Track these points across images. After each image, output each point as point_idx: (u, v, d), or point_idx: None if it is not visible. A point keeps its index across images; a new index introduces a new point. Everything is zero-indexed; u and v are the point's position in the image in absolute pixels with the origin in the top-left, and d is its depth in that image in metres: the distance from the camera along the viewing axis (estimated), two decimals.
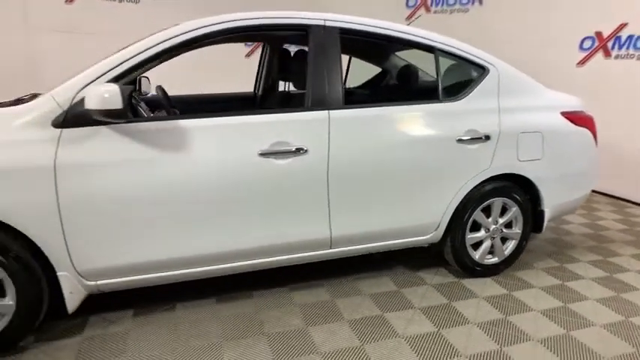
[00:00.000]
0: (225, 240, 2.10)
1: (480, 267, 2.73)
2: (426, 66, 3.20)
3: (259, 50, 6.32)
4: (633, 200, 4.54)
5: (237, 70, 5.79)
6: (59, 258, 1.88)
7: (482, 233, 2.70)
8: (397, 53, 3.47)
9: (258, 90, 3.56)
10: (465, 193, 2.53)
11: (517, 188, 2.67)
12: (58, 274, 1.89)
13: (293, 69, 2.51)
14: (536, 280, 2.77)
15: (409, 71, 3.03)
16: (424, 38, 2.47)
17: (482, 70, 2.62)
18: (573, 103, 2.88)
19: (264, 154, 2.07)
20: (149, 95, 3.22)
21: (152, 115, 2.29)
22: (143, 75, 2.70)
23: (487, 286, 2.67)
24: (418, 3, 6.13)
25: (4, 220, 1.75)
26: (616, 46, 4.53)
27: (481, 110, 2.54)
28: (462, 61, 2.59)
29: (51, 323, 2.16)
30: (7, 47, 4.97)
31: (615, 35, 4.51)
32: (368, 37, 2.39)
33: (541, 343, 2.13)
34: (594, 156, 2.90)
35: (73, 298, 1.95)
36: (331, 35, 2.26)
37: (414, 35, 2.45)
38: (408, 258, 3.01)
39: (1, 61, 4.95)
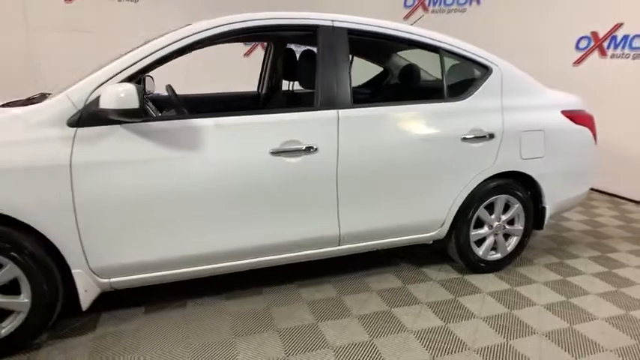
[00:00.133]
0: (237, 237, 2.14)
1: (483, 263, 2.78)
2: (425, 65, 3.26)
3: (258, 50, 6.39)
4: (629, 197, 4.62)
5: (236, 69, 5.82)
6: (74, 256, 1.90)
7: (485, 230, 2.75)
8: (399, 53, 3.52)
9: (261, 89, 3.59)
10: (470, 190, 2.58)
11: (519, 186, 2.73)
12: (73, 271, 1.91)
13: (301, 69, 2.54)
14: (538, 276, 2.82)
15: (414, 71, 3.07)
16: (430, 38, 2.51)
17: (486, 70, 2.66)
18: (574, 102, 2.94)
19: (275, 153, 2.10)
20: (153, 94, 3.24)
21: (159, 114, 2.31)
22: (147, 74, 2.73)
23: (490, 282, 2.72)
24: (416, 3, 6.18)
25: (20, 218, 1.76)
26: (612, 46, 4.61)
27: (485, 109, 2.58)
28: (466, 60, 2.64)
29: (63, 321, 2.17)
30: (6, 46, 4.95)
31: (611, 35, 4.59)
32: (375, 38, 2.43)
33: (546, 336, 2.19)
34: (594, 154, 2.97)
35: (87, 296, 1.97)
36: (340, 35, 2.29)
37: (419, 35, 2.49)
38: (412, 255, 3.06)
39: (1, 61, 4.93)
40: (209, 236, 2.09)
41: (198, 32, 2.04)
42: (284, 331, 2.16)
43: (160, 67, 2.08)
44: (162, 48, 1.98)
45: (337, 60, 2.28)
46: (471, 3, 5.78)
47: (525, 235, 2.85)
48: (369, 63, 3.60)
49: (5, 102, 2.22)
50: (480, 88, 2.61)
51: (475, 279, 2.75)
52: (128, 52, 2.00)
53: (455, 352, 2.05)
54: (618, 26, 4.52)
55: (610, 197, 4.69)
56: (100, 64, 2.11)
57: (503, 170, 2.63)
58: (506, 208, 2.78)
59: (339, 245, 2.41)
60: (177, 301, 2.40)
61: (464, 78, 2.71)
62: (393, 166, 2.36)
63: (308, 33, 2.31)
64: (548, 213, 2.85)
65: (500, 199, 2.72)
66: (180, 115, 2.04)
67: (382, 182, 2.36)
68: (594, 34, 4.72)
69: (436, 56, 2.61)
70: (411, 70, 3.09)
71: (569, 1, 4.87)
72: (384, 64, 3.57)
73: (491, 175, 2.61)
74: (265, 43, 6.28)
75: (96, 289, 2.01)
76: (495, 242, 2.80)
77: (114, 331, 2.13)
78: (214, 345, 2.05)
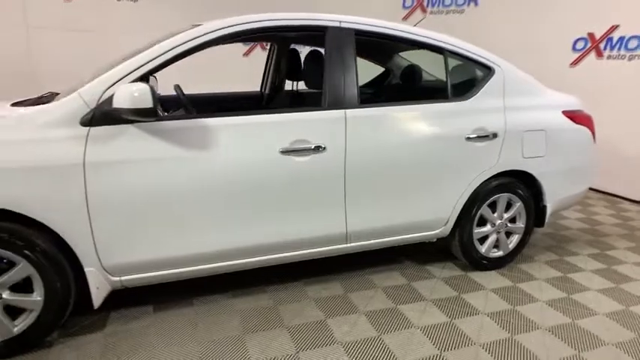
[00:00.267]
0: (246, 235, 2.16)
1: (486, 260, 2.83)
2: (425, 65, 3.30)
3: (257, 49, 6.40)
4: (624, 196, 4.70)
5: (235, 69, 5.84)
6: (87, 254, 1.91)
7: (488, 228, 2.79)
8: (400, 54, 3.56)
9: (265, 89, 3.62)
10: (473, 189, 2.63)
11: (521, 184, 2.78)
12: (86, 269, 1.93)
13: (307, 69, 2.57)
14: (539, 273, 2.87)
15: (416, 71, 3.11)
16: (434, 39, 2.55)
17: (488, 71, 2.71)
18: (573, 102, 3.00)
19: (284, 152, 2.13)
20: (158, 94, 3.25)
21: (165, 114, 2.33)
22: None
23: (493, 279, 2.77)
24: (414, 3, 6.23)
25: (34, 217, 1.78)
26: (608, 47, 4.68)
27: (488, 109, 2.63)
28: (469, 61, 2.68)
29: (73, 319, 2.19)
30: (6, 45, 4.93)
31: (607, 36, 4.66)
32: (382, 38, 2.47)
33: (549, 331, 2.23)
34: (593, 153, 3.02)
35: (98, 294, 1.99)
36: (347, 36, 2.33)
37: (424, 37, 2.53)
38: (415, 253, 3.10)
39: (1, 60, 4.91)
40: (219, 234, 2.11)
41: (210, 32, 2.06)
42: (293, 328, 2.19)
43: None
44: (173, 48, 2.00)
45: (345, 60, 2.31)
46: (469, 4, 5.84)
47: (527, 233, 2.90)
48: (370, 63, 3.63)
49: (16, 101, 2.23)
50: (483, 89, 2.65)
51: (478, 276, 2.80)
52: (139, 52, 2.01)
53: (462, 346, 2.09)
54: (614, 28, 4.59)
55: (606, 196, 4.77)
56: (110, 64, 2.13)
57: (506, 169, 2.68)
58: (508, 206, 2.82)
59: (346, 243, 2.44)
60: (186, 299, 2.42)
61: (466, 78, 2.75)
62: (399, 165, 2.39)
63: (316, 34, 2.33)
64: (549, 211, 2.90)
65: (503, 198, 2.76)
66: (192, 115, 2.06)
67: (388, 181, 2.39)
68: (591, 35, 4.79)
69: (436, 56, 2.66)
70: (414, 71, 3.13)
71: (566, 3, 4.94)
72: (386, 64, 3.61)
73: (494, 174, 2.65)
74: (265, 44, 6.34)
75: (107, 287, 2.03)
76: (497, 240, 2.84)
77: (124, 329, 2.15)
78: (224, 341, 2.07)
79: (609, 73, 4.67)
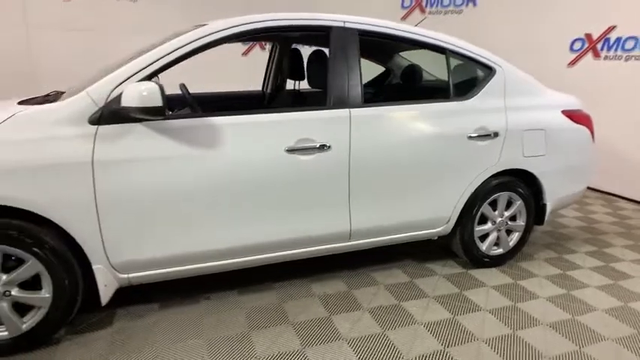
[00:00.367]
0: (252, 233, 2.19)
1: (487, 258, 2.86)
2: (425, 65, 3.34)
3: (256, 49, 6.41)
4: (621, 195, 4.75)
5: (234, 68, 5.85)
6: (95, 251, 1.93)
7: (489, 226, 2.83)
8: (401, 53, 3.59)
9: (266, 88, 3.64)
10: (475, 187, 2.66)
11: (521, 183, 2.81)
12: (94, 267, 1.95)
13: (311, 68, 2.59)
14: (539, 270, 2.91)
15: (417, 71, 3.14)
16: (437, 40, 2.59)
17: (489, 71, 2.74)
18: (572, 102, 3.04)
19: (290, 151, 2.15)
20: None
21: (169, 113, 2.35)
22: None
23: (494, 276, 2.81)
24: (413, 4, 6.27)
25: (44, 215, 1.79)
26: (605, 48, 4.73)
27: (489, 109, 2.66)
28: (471, 61, 2.71)
29: (79, 317, 2.20)
30: (6, 45, 4.93)
31: (604, 37, 4.71)
32: (385, 38, 2.49)
33: (550, 327, 2.27)
34: (591, 152, 3.07)
35: (106, 291, 2.00)
36: (351, 36, 2.35)
37: (427, 37, 2.56)
38: (416, 251, 3.13)
39: (2, 58, 4.90)
40: (226, 232, 2.13)
41: (216, 32, 2.08)
42: (298, 325, 2.22)
43: None
44: (180, 47, 2.02)
45: (349, 60, 2.34)
46: (467, 4, 5.88)
47: (527, 231, 2.94)
48: (370, 63, 3.66)
49: (22, 99, 2.24)
50: (484, 89, 2.69)
51: (479, 273, 2.84)
52: (146, 52, 2.03)
53: (465, 342, 2.12)
54: (611, 28, 4.64)
55: (602, 195, 4.82)
56: (116, 63, 2.15)
57: (507, 168, 2.71)
58: (509, 204, 2.86)
59: (349, 241, 2.47)
60: (191, 296, 2.44)
61: (468, 78, 2.79)
62: (402, 163, 2.42)
63: (320, 34, 2.36)
64: (548, 209, 2.94)
65: (503, 196, 2.80)
66: (199, 114, 2.08)
67: (392, 179, 2.42)
68: (588, 36, 4.84)
69: (436, 56, 2.69)
70: (416, 71, 3.17)
71: (563, 4, 4.99)
72: (387, 64, 3.64)
73: (495, 172, 2.69)
74: (264, 43, 6.36)
75: (115, 284, 2.04)
76: (498, 238, 2.88)
77: (131, 325, 2.17)
78: (231, 338, 2.09)
79: (606, 73, 4.72)
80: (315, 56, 2.58)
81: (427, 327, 2.24)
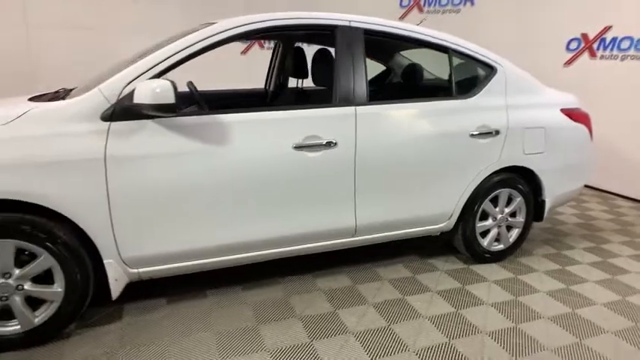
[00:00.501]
0: (261, 228, 2.22)
1: (488, 254, 2.92)
2: (427, 64, 3.38)
3: (254, 47, 6.44)
4: (617, 193, 4.83)
5: (233, 67, 5.87)
6: (106, 246, 1.96)
7: (490, 222, 2.88)
8: (401, 52, 3.63)
9: (269, 86, 3.67)
10: (477, 184, 2.71)
11: (521, 180, 2.87)
12: (105, 261, 1.97)
13: (316, 67, 2.63)
14: (539, 265, 2.97)
15: (418, 70, 3.19)
16: (440, 39, 2.63)
17: (491, 70, 2.79)
18: (571, 101, 3.10)
19: (298, 147, 2.19)
20: None
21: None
22: None
23: (495, 271, 2.86)
24: (411, 3, 6.32)
25: (57, 210, 1.82)
26: (601, 48, 4.80)
27: (491, 107, 2.71)
28: (473, 60, 2.76)
29: (89, 311, 2.23)
30: (6, 44, 4.93)
31: (600, 37, 4.78)
32: (389, 38, 2.53)
33: (551, 320, 2.33)
34: (590, 150, 3.13)
35: (117, 286, 2.03)
36: (357, 35, 2.39)
37: (431, 36, 2.61)
38: (418, 247, 3.18)
39: (2, 57, 4.90)
40: (235, 227, 2.17)
41: (225, 30, 2.12)
42: (305, 319, 2.26)
43: None
44: (190, 45, 2.05)
45: (354, 58, 2.38)
46: (465, 4, 5.94)
47: (526, 227, 3.00)
48: (371, 61, 3.70)
49: (32, 96, 2.26)
50: (486, 87, 2.74)
51: (480, 269, 2.89)
52: (156, 50, 2.06)
53: (469, 335, 2.17)
54: (607, 29, 4.71)
55: (598, 192, 4.90)
56: (127, 60, 2.17)
57: (508, 165, 2.77)
58: (509, 201, 2.92)
59: (354, 236, 2.51)
60: (197, 291, 2.47)
61: (469, 77, 2.84)
62: (406, 160, 2.47)
63: (326, 33, 2.40)
64: (547, 206, 3.00)
65: (504, 193, 2.85)
66: (210, 111, 2.11)
67: (396, 175, 2.47)
68: (584, 35, 4.91)
69: (438, 55, 2.73)
70: (418, 69, 3.21)
71: (560, 4, 5.06)
72: (388, 62, 3.68)
73: (496, 169, 2.74)
74: (263, 42, 6.38)
75: (125, 279, 2.07)
76: (498, 234, 2.93)
77: (140, 319, 2.20)
78: (239, 331, 2.13)
79: (602, 72, 4.80)
80: (320, 55, 2.62)
81: (431, 320, 2.28)
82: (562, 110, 2.99)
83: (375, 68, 3.79)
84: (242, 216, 2.16)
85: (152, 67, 1.98)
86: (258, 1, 5.27)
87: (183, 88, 3.39)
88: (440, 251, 3.13)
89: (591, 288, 2.69)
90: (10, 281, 1.84)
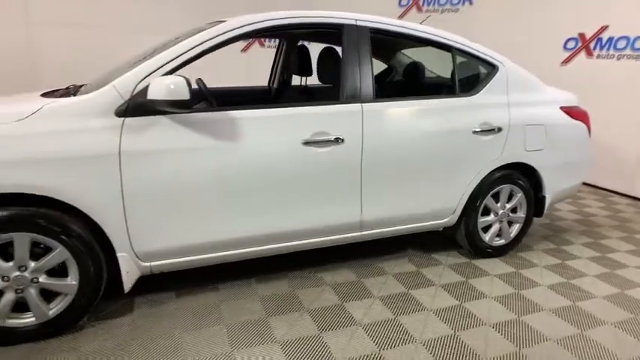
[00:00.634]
0: (270, 222, 2.27)
1: (490, 249, 2.97)
2: (429, 61, 3.44)
3: (255, 45, 6.47)
4: (613, 190, 4.91)
5: (233, 64, 5.90)
6: (120, 240, 1.99)
7: (491, 217, 2.94)
8: (403, 51, 3.68)
9: (273, 84, 3.71)
10: (479, 180, 2.77)
11: (522, 176, 2.93)
12: (118, 255, 2.01)
13: (322, 65, 2.67)
14: (539, 260, 3.03)
15: (420, 68, 3.24)
16: (444, 38, 2.68)
17: (492, 68, 2.85)
18: (570, 99, 3.16)
19: (307, 143, 2.23)
20: None
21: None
22: None
23: (496, 266, 2.92)
24: (410, 2, 6.37)
25: (73, 204, 1.85)
26: (597, 47, 4.88)
27: (493, 104, 2.77)
28: (475, 59, 2.81)
29: (100, 304, 2.26)
30: (8, 41, 4.93)
31: (597, 37, 4.86)
32: (394, 36, 2.58)
33: (553, 312, 2.39)
34: (588, 147, 3.19)
35: (129, 279, 2.06)
36: (363, 34, 2.44)
37: (435, 35, 2.66)
38: (420, 242, 3.24)
39: (3, 56, 4.90)
40: (244, 221, 2.21)
41: (237, 28, 2.15)
42: (313, 311, 2.30)
43: None
44: (201, 43, 2.08)
45: (361, 56, 2.43)
46: (463, 3, 6.00)
47: (527, 223, 3.06)
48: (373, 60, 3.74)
49: (45, 91, 2.29)
50: (488, 85, 2.79)
51: (482, 263, 2.95)
52: (167, 47, 2.09)
53: (474, 326, 2.22)
54: (604, 28, 4.79)
55: (595, 189, 4.98)
56: (139, 57, 2.21)
57: (510, 161, 2.83)
58: (510, 197, 2.97)
59: (360, 231, 2.56)
60: (206, 285, 2.51)
61: (471, 74, 2.89)
62: (411, 156, 2.52)
63: (334, 31, 2.44)
64: (547, 202, 3.07)
65: (505, 189, 2.91)
66: (222, 107, 2.15)
67: (401, 171, 2.52)
68: (581, 35, 4.98)
69: (439, 53, 2.79)
70: (420, 68, 3.26)
71: (557, 4, 5.13)
72: (390, 61, 3.73)
73: (498, 165, 2.80)
74: (263, 40, 6.41)
75: (137, 272, 2.11)
76: (500, 229, 2.99)
77: (151, 312, 2.23)
78: (249, 324, 2.17)
79: (599, 72, 4.87)
80: (327, 53, 2.66)
81: (436, 313, 2.33)
82: (561, 108, 3.05)
83: (376, 67, 3.84)
84: (252, 210, 2.20)
85: (164, 65, 2.02)
86: (260, 1, 5.31)
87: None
88: (442, 246, 3.18)
89: (591, 282, 2.76)
90: (26, 274, 1.87)
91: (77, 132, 1.85)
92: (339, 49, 2.54)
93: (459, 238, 2.98)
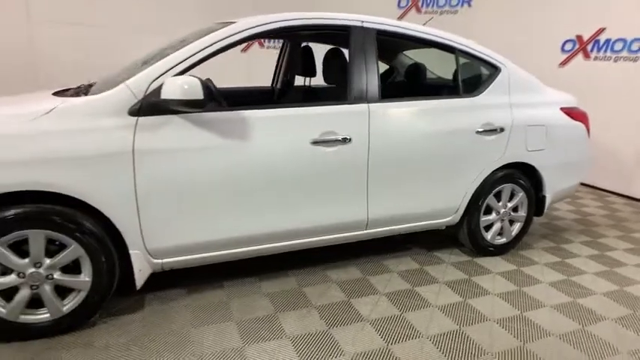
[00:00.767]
0: (279, 220, 2.30)
1: (491, 247, 3.03)
2: (431, 63, 3.49)
3: (254, 46, 6.50)
4: (610, 190, 4.99)
5: (233, 65, 5.92)
6: (133, 237, 2.02)
7: (493, 216, 3.00)
8: (405, 52, 3.73)
9: (276, 84, 3.75)
10: (482, 179, 2.82)
11: (523, 175, 2.98)
12: (131, 252, 2.04)
13: (328, 66, 2.71)
14: (539, 258, 3.09)
15: (424, 69, 3.29)
16: (448, 39, 2.73)
17: (495, 69, 2.90)
18: (570, 100, 3.22)
19: (315, 143, 2.28)
20: None
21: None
22: None
23: (498, 264, 2.98)
24: (409, 4, 6.43)
25: (88, 202, 1.88)
26: (595, 49, 4.95)
27: (496, 105, 2.82)
28: (478, 60, 2.87)
29: (112, 301, 2.29)
30: (9, 40, 4.94)
31: (594, 39, 4.94)
32: (399, 38, 2.63)
33: (554, 308, 2.44)
34: (587, 147, 3.26)
35: (141, 276, 2.10)
36: (369, 35, 2.48)
37: (439, 37, 2.71)
38: (423, 240, 3.29)
39: (4, 55, 4.91)
40: (254, 220, 2.25)
41: (247, 29, 2.19)
42: (321, 307, 2.34)
43: None
44: (213, 44, 2.12)
45: (367, 57, 2.47)
46: (462, 5, 6.07)
47: (528, 222, 3.11)
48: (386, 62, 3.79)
49: (57, 90, 2.32)
50: (491, 86, 2.85)
51: (484, 261, 3.00)
52: (179, 47, 2.13)
53: (478, 322, 2.27)
54: (601, 31, 4.86)
55: (592, 189, 5.05)
56: (151, 56, 2.24)
57: (511, 161, 2.88)
58: (511, 196, 3.03)
59: (365, 229, 2.60)
60: (215, 283, 2.54)
61: (474, 76, 2.94)
62: (416, 156, 2.57)
63: (341, 33, 2.48)
64: (547, 201, 3.12)
65: (507, 188, 2.97)
66: (232, 107, 2.18)
67: (407, 171, 2.57)
68: (579, 37, 5.06)
69: (442, 54, 2.84)
70: (422, 69, 3.31)
71: (555, 6, 5.20)
72: (392, 62, 3.78)
73: (500, 165, 2.85)
74: (263, 40, 6.44)
75: (149, 269, 2.14)
76: (501, 228, 3.05)
77: (162, 309, 2.27)
78: (259, 320, 2.21)
79: (596, 73, 4.95)
80: (332, 54, 2.70)
81: (441, 309, 2.38)
82: (562, 109, 3.11)
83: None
84: (261, 208, 2.24)
85: (177, 64, 2.05)
86: (264, 3, 5.34)
87: None
88: (444, 245, 3.24)
89: (590, 279, 2.82)
90: (41, 270, 1.90)
91: (91, 131, 1.88)
92: (343, 50, 2.58)
93: (461, 236, 3.04)
